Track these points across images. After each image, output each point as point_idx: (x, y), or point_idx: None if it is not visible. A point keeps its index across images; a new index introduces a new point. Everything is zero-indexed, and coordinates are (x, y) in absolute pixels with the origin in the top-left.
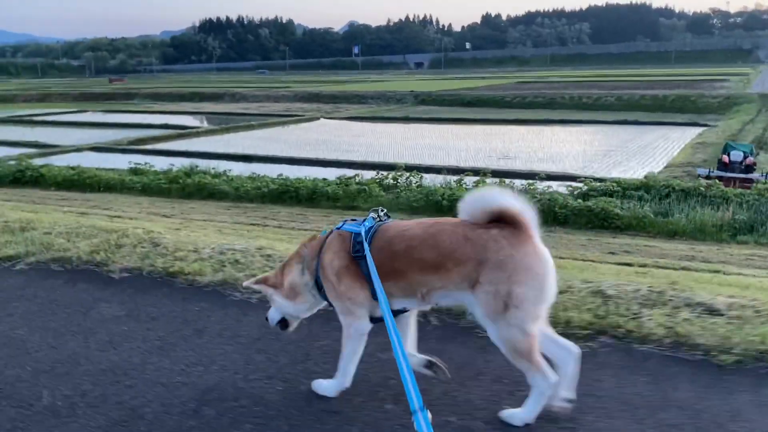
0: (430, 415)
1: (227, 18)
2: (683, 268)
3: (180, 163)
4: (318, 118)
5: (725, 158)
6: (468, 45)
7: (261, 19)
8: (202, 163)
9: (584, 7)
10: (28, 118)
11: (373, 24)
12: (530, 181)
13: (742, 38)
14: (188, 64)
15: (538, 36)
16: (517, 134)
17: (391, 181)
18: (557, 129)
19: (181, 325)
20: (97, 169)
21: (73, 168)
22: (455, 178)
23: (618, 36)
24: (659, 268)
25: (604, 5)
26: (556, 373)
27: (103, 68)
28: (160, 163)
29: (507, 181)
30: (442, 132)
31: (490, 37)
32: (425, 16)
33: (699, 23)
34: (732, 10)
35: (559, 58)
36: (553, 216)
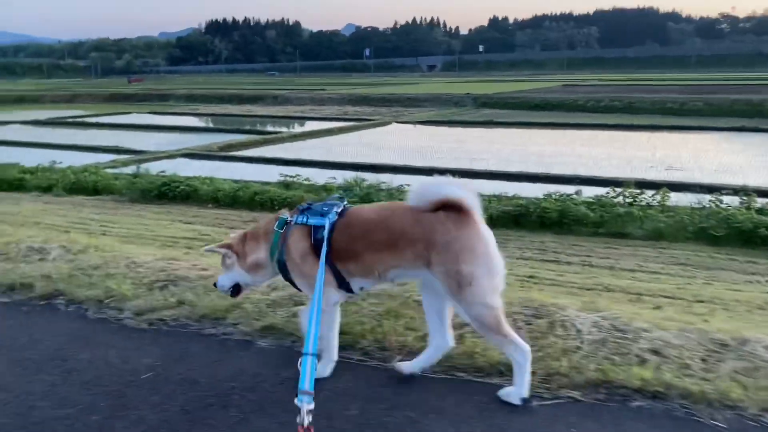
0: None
1: (234, 19)
2: None
3: (291, 172)
4: (390, 123)
5: None
6: (481, 48)
7: (267, 20)
8: (317, 174)
9: (591, 11)
10: (77, 119)
11: (375, 26)
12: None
13: (755, 43)
14: (195, 65)
15: (546, 39)
16: (641, 141)
17: (629, 199)
18: (679, 136)
19: None
20: (261, 183)
21: (229, 181)
22: (694, 196)
23: (626, 40)
24: None
25: (611, 9)
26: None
27: (109, 69)
28: (271, 172)
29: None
30: (554, 138)
31: (498, 41)
32: (432, 19)
33: (707, 28)
34: (740, 15)
35: (574, 62)
36: None
